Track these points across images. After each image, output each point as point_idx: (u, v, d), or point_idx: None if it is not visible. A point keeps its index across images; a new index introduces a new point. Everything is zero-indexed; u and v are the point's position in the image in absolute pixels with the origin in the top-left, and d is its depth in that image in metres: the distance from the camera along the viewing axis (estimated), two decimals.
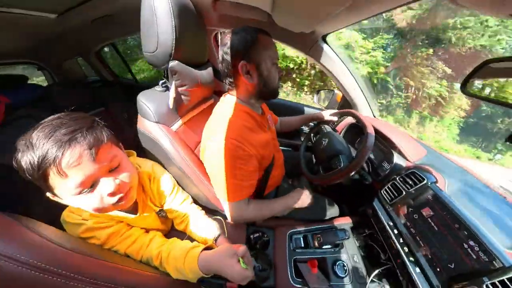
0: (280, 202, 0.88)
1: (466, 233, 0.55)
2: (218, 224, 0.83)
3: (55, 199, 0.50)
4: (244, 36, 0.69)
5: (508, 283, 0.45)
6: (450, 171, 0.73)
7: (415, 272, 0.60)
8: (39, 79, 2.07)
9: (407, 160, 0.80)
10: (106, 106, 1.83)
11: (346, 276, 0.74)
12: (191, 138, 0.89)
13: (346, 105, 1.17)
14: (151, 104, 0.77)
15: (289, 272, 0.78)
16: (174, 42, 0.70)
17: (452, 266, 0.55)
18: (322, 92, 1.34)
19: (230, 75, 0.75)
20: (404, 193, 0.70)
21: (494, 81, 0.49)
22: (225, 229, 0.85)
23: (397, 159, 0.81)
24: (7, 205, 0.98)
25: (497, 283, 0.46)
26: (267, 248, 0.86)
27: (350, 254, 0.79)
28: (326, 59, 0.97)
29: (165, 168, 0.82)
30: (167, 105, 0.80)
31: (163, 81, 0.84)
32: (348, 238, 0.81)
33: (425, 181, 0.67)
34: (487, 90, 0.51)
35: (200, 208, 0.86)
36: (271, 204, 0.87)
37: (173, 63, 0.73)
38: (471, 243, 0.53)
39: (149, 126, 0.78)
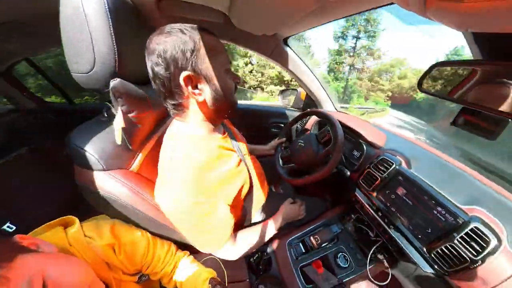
0: (269, 226, 0.83)
1: (433, 202, 0.68)
2: (213, 263, 0.75)
3: None
4: (181, 38, 0.50)
5: (471, 233, 0.58)
6: (408, 149, 0.88)
7: (402, 242, 0.72)
8: None
9: (375, 147, 0.92)
10: (30, 144, 1.28)
11: (348, 264, 0.81)
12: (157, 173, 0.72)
13: (310, 102, 1.23)
14: (92, 147, 0.56)
15: (298, 282, 0.78)
16: (116, 56, 0.52)
17: (429, 231, 0.67)
18: (285, 91, 1.36)
19: (170, 94, 0.55)
20: (379, 179, 0.81)
21: (444, 80, 0.60)
22: (221, 264, 0.77)
23: (366, 148, 0.92)
24: None
25: (463, 235, 0.59)
26: (271, 266, 0.83)
27: (346, 242, 0.86)
28: (288, 62, 0.97)
29: (130, 222, 0.64)
30: (116, 142, 0.59)
31: (108, 107, 0.62)
32: (342, 231, 0.88)
33: (394, 165, 0.79)
34: (438, 88, 0.62)
35: (188, 253, 0.74)
36: (261, 231, 0.80)
37: (115, 83, 0.54)
38: (439, 209, 0.67)
39: (95, 179, 0.57)
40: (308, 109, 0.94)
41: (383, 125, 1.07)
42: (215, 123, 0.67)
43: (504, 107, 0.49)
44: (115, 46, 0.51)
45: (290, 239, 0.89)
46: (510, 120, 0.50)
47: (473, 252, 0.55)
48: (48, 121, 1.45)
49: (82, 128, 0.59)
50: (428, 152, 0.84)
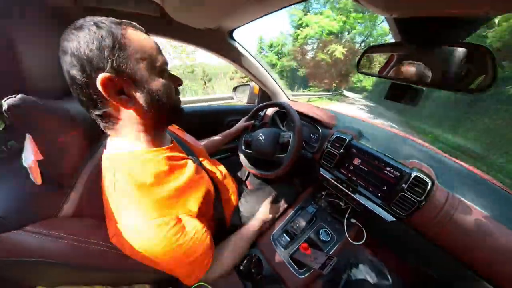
0: (249, 231, 0.79)
1: (383, 164, 0.81)
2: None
3: None
4: (96, 33, 0.42)
5: (414, 181, 0.73)
6: (356, 125, 1.02)
7: (367, 204, 0.83)
8: None
9: (328, 128, 1.02)
10: None
11: (330, 237, 0.88)
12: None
13: (264, 95, 1.23)
14: None
15: (292, 270, 0.80)
16: (11, 62, 0.38)
17: (385, 188, 0.80)
18: (239, 88, 1.31)
19: (92, 103, 0.45)
20: (337, 155, 0.91)
21: (377, 61, 0.71)
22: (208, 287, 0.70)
23: (321, 130, 1.01)
24: None
25: (409, 184, 0.73)
26: (262, 266, 0.81)
27: (323, 218, 0.94)
28: (237, 56, 0.93)
29: (81, 283, 0.50)
30: (29, 184, 0.43)
31: (8, 139, 0.43)
32: (317, 209, 0.95)
33: (346, 140, 0.90)
34: (373, 68, 0.73)
35: None
36: (243, 240, 0.76)
37: (11, 101, 0.38)
38: (388, 168, 0.80)
39: (7, 244, 0.40)
40: (282, 102, 0.94)
41: (331, 107, 1.20)
42: (158, 132, 0.58)
43: (418, 79, 0.63)
44: (7, 50, 0.35)
45: (273, 232, 0.90)
46: (424, 88, 0.64)
47: (418, 195, 0.69)
48: None
49: None
50: (371, 125, 1.00)
